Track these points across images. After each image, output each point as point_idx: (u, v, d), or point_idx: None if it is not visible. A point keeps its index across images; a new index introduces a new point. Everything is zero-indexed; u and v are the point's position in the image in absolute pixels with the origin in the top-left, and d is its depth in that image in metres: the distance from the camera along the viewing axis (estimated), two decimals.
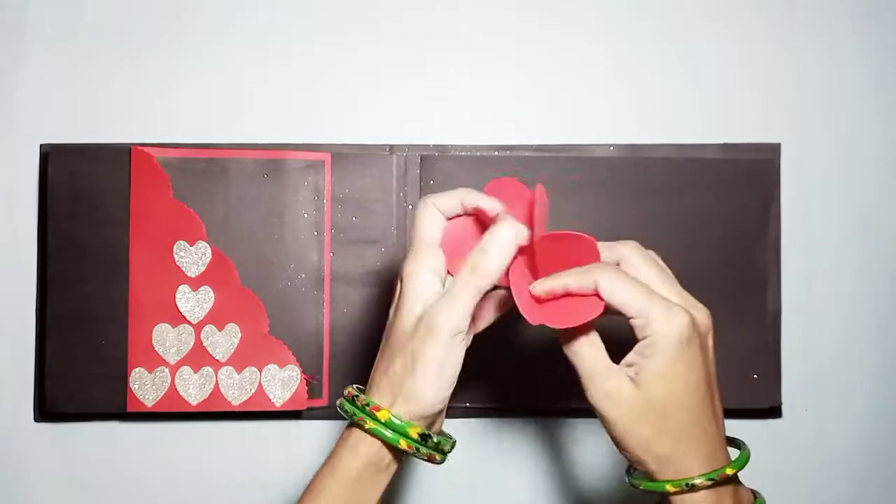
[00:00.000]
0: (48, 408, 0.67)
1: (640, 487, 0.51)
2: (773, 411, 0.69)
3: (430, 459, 0.51)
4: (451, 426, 0.69)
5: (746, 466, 0.52)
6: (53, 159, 0.67)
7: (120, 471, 0.68)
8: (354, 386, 0.52)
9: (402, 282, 0.51)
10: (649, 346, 0.48)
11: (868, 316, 0.70)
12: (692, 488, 0.48)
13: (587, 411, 0.69)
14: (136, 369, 0.66)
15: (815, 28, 0.71)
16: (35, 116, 0.69)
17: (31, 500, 0.68)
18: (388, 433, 0.49)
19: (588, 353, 0.51)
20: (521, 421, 0.69)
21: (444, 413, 0.53)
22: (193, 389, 0.67)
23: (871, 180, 0.70)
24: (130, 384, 0.66)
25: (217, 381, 0.67)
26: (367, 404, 0.50)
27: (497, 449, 0.69)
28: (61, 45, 0.70)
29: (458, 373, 0.50)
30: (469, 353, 0.52)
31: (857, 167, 0.70)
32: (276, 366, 0.67)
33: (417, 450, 0.50)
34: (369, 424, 0.50)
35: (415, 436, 0.50)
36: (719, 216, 0.69)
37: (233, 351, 0.67)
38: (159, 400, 0.66)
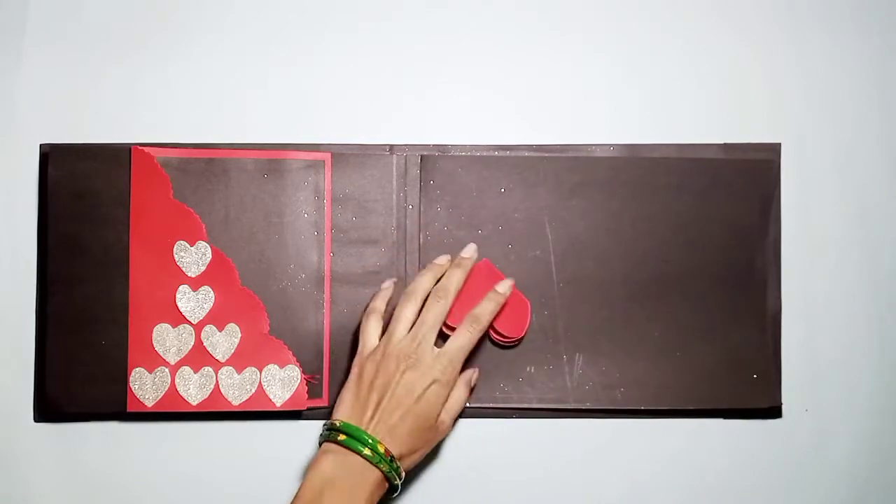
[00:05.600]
0: (48, 408, 0.67)
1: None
2: (773, 411, 0.69)
3: None
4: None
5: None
6: (53, 159, 0.67)
7: (120, 471, 0.68)
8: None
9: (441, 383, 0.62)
10: None
11: (868, 316, 0.70)
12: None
13: (588, 411, 0.70)
14: (137, 369, 0.66)
15: (815, 28, 0.71)
16: (35, 116, 0.69)
17: (31, 500, 0.68)
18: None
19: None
20: (522, 421, 0.69)
21: None
22: (193, 389, 0.67)
23: (871, 180, 0.70)
24: (130, 384, 0.66)
25: (217, 381, 0.67)
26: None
27: (497, 449, 0.69)
28: (61, 45, 0.70)
29: None
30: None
31: (857, 167, 0.70)
32: (276, 366, 0.67)
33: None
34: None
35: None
36: (719, 216, 0.69)
37: (233, 351, 0.67)
38: (159, 400, 0.66)
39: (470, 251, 0.67)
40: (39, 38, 0.70)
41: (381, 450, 0.59)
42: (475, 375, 0.67)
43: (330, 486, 0.58)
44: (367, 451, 0.59)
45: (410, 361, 0.62)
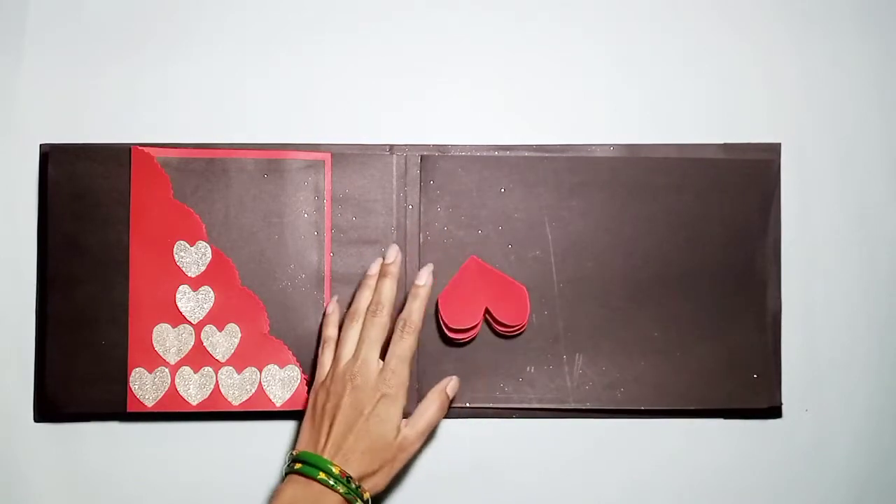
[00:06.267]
0: (48, 408, 0.67)
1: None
2: (773, 411, 0.69)
3: None
4: (452, 426, 0.69)
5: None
6: (53, 159, 0.67)
7: (120, 471, 0.68)
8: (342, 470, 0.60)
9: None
10: None
11: (868, 316, 0.70)
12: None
13: (588, 411, 0.70)
14: (137, 369, 0.66)
15: (815, 28, 0.71)
16: (35, 116, 0.69)
17: (31, 500, 0.68)
18: None
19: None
20: (522, 421, 0.69)
21: None
22: (193, 389, 0.67)
23: (871, 180, 0.70)
24: (130, 384, 0.66)
25: (217, 381, 0.67)
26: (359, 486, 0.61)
27: (497, 449, 0.69)
28: (61, 45, 0.70)
29: None
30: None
31: (857, 167, 0.70)
32: (276, 366, 0.67)
33: None
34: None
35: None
36: (719, 216, 0.69)
37: (233, 351, 0.67)
38: (159, 400, 0.66)
39: (424, 278, 0.66)
40: (39, 38, 0.70)
41: (337, 472, 0.59)
42: (451, 384, 0.66)
43: None
44: (322, 476, 0.59)
45: (356, 381, 0.62)
